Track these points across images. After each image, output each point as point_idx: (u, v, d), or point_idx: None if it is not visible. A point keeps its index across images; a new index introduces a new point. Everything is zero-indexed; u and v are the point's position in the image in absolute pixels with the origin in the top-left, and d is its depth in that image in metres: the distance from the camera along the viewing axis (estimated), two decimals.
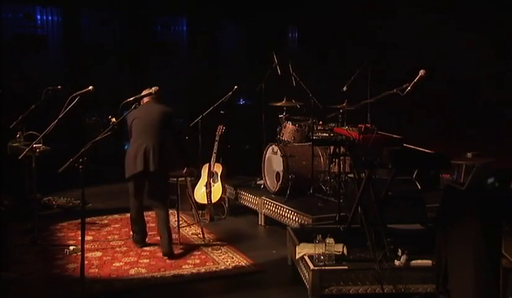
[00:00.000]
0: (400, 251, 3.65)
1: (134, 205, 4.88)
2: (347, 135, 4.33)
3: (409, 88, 3.70)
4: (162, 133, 4.72)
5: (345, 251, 3.78)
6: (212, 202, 6.03)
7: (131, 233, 5.13)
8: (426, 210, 4.51)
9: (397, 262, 3.61)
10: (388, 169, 3.95)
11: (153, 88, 4.75)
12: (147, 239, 5.06)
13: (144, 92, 4.65)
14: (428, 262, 3.57)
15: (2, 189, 6.03)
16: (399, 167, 3.87)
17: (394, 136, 4.08)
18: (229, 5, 9.25)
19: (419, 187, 4.75)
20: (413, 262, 3.60)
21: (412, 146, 4.00)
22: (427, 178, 5.27)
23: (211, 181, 6.10)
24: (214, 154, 6.12)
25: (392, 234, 3.87)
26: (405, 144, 4.02)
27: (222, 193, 6.13)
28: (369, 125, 4.16)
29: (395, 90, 3.81)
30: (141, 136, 4.71)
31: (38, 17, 8.56)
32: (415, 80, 3.70)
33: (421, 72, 3.70)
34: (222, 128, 6.16)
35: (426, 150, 3.90)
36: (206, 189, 6.05)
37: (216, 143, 6.10)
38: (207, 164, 6.15)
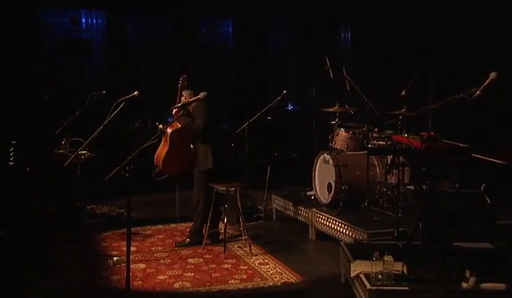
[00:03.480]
0: (467, 272, 3.51)
1: (208, 200, 5.36)
2: (407, 144, 4.23)
3: (478, 92, 3.58)
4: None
5: (405, 270, 3.69)
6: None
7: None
8: (497, 227, 4.33)
9: (464, 285, 3.48)
10: (454, 181, 3.83)
11: (201, 93, 4.84)
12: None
13: (192, 98, 4.75)
14: (500, 285, 3.42)
15: (47, 196, 6.30)
16: (466, 179, 3.74)
17: (461, 145, 3.96)
18: (276, 5, 9.30)
19: (489, 202, 4.56)
20: (483, 285, 3.46)
21: (481, 156, 3.86)
22: (497, 191, 5.06)
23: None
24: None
25: (459, 253, 3.74)
26: (473, 154, 3.89)
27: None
28: (432, 133, 4.04)
29: (461, 94, 3.69)
30: (209, 135, 5.30)
31: (83, 20, 8.92)
32: (485, 83, 3.57)
33: (492, 75, 3.57)
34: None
35: (497, 160, 3.75)
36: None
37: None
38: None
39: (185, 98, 5.38)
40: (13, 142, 6.36)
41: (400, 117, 5.47)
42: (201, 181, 5.44)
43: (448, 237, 3.81)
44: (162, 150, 5.45)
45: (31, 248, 5.18)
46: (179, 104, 5.00)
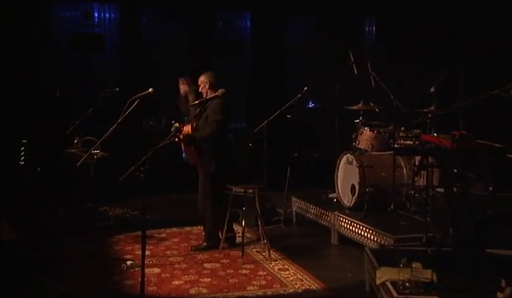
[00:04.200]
0: (503, 281, 3.45)
1: (216, 202, 5.40)
2: (437, 143, 4.18)
3: None
4: None
5: (435, 279, 3.64)
6: None
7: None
8: None
9: (499, 295, 3.42)
10: (488, 183, 3.77)
11: (219, 90, 4.85)
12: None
13: (210, 96, 4.77)
14: None
15: (58, 198, 6.37)
16: (501, 181, 3.68)
17: (495, 145, 3.89)
18: None
19: None
20: None
21: None
22: None
23: None
24: None
25: (493, 260, 3.68)
26: (508, 155, 3.82)
27: None
28: (464, 132, 3.98)
29: (496, 91, 3.64)
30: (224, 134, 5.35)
31: (96, 14, 9.00)
32: None
33: None
34: None
35: None
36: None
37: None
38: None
39: (199, 85, 5.39)
40: (23, 141, 6.46)
41: (429, 115, 5.40)
42: (206, 184, 5.43)
43: (481, 243, 3.74)
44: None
45: (42, 251, 5.25)
46: (196, 102, 5.01)
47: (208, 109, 5.33)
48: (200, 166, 5.43)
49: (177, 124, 5.18)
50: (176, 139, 5.14)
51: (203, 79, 5.48)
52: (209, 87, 5.38)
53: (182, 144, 5.46)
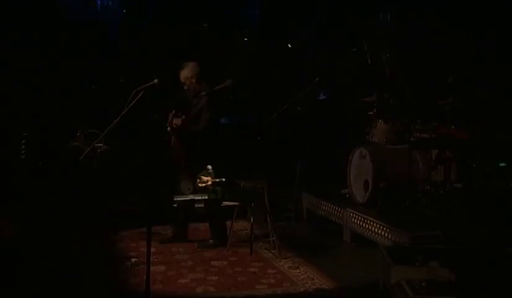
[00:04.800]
0: None
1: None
2: (455, 136, 4.16)
3: None
4: None
5: (453, 278, 3.62)
6: None
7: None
8: None
9: None
10: (508, 178, 3.75)
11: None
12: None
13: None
14: None
15: (60, 192, 6.40)
16: None
17: None
18: None
19: None
20: None
21: None
22: None
23: None
24: None
25: None
26: None
27: None
28: (484, 125, 3.96)
29: None
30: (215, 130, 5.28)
31: (99, 2, 9.02)
32: None
33: None
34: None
35: None
36: None
37: None
38: None
39: (184, 82, 5.30)
40: (24, 134, 6.49)
41: (447, 107, 5.37)
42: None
43: (501, 241, 3.71)
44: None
45: (44, 248, 5.28)
46: (203, 93, 4.98)
47: (208, 102, 5.26)
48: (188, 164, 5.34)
49: (184, 116, 5.17)
50: (168, 128, 5.05)
51: (186, 74, 5.30)
52: (196, 81, 5.28)
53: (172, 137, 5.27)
